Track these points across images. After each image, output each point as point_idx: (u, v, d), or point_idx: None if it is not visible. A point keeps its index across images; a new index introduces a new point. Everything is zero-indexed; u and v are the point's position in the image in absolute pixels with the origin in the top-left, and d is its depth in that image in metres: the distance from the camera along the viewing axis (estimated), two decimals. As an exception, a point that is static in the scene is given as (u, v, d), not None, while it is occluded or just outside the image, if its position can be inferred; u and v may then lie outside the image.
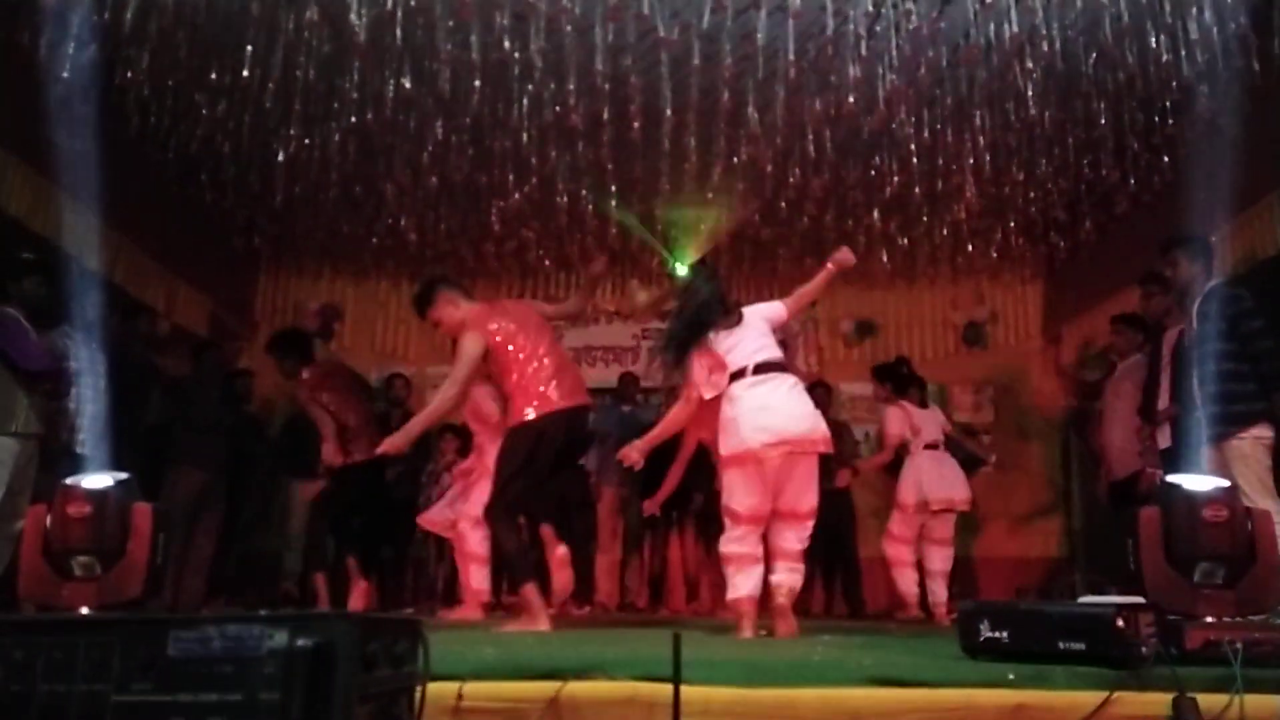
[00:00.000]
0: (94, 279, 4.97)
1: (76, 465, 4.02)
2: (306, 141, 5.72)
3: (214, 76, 4.97)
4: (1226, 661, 1.88)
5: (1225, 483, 2.33)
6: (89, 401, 4.59)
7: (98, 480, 2.61)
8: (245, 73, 4.81)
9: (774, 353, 3.75)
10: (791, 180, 6.11)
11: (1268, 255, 4.96)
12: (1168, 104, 5.15)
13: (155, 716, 1.16)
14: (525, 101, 5.22)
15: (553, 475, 4.06)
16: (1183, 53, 4.50)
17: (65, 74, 4.40)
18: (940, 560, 5.90)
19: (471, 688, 1.79)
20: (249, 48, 4.71)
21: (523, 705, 1.78)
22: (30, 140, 4.73)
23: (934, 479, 5.89)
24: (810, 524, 3.69)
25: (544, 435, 3.86)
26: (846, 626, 4.89)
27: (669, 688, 1.53)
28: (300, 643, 1.17)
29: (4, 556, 4.05)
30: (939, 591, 5.86)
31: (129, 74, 4.85)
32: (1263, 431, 3.82)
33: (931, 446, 5.97)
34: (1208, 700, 1.79)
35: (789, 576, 3.65)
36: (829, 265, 3.90)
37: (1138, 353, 5.27)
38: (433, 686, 1.52)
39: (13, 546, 3.51)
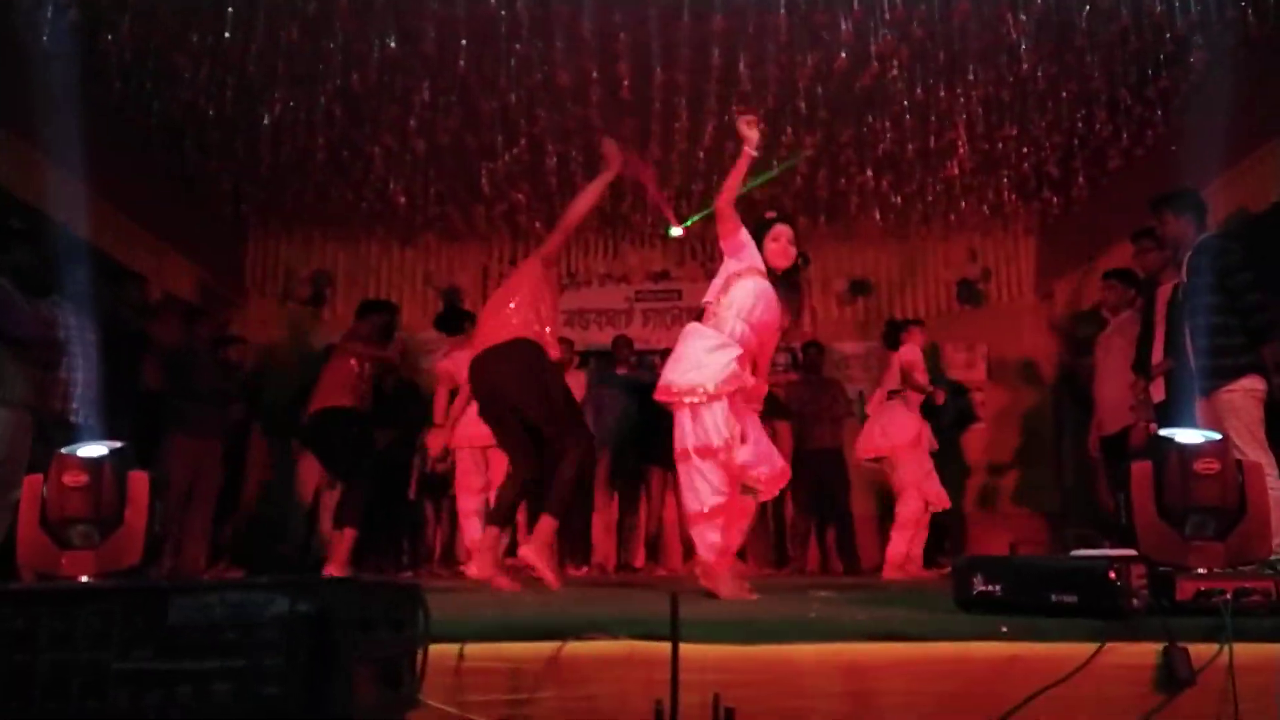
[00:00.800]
0: (82, 247, 4.93)
1: (71, 435, 4.02)
2: (292, 104, 5.64)
3: (195, 39, 4.88)
4: (1217, 612, 1.90)
5: (1216, 435, 2.33)
6: (81, 370, 4.57)
7: (93, 449, 2.59)
8: (227, 34, 4.73)
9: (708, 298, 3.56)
10: (783, 139, 6.06)
11: (1259, 209, 4.96)
12: (1161, 57, 5.10)
13: (158, 684, 1.17)
14: (513, 61, 5.15)
15: (504, 420, 4.13)
16: (1176, 4, 4.46)
17: (45, 38, 4.33)
18: (898, 508, 5.78)
19: (473, 649, 1.80)
20: (230, 8, 4.62)
21: (523, 665, 1.80)
22: (14, 107, 4.66)
23: (867, 431, 5.98)
24: (682, 470, 3.35)
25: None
26: (841, 583, 4.94)
27: (667, 646, 1.55)
28: (301, 608, 1.18)
29: (1, 527, 4.05)
30: (895, 542, 5.71)
31: (110, 37, 4.76)
32: (1253, 383, 3.83)
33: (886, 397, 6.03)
34: (1198, 650, 1.82)
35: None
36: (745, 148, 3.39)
37: (1129, 308, 5.27)
38: (434, 648, 1.53)
39: (10, 516, 3.50)
